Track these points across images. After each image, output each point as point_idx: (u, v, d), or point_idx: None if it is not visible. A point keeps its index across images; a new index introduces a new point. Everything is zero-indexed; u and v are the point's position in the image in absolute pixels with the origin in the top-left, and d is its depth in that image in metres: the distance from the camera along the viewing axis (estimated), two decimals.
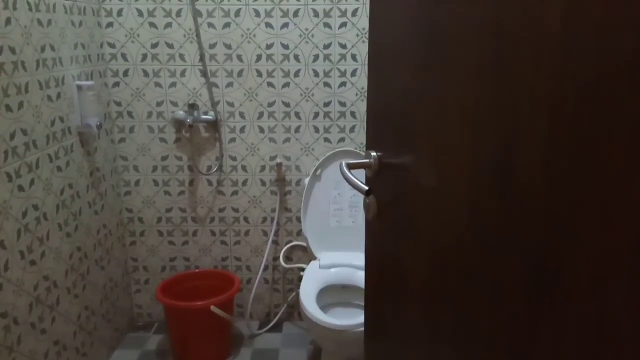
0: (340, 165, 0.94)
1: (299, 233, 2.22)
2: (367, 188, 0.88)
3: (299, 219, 2.20)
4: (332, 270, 1.94)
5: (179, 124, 2.09)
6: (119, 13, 1.97)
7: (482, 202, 0.60)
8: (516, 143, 0.52)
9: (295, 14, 1.98)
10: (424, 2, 0.73)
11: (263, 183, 2.16)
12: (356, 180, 0.89)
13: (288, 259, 2.25)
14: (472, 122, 0.61)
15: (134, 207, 2.18)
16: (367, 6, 1.92)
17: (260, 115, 2.09)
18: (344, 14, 1.98)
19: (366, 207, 0.97)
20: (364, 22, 1.98)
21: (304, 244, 2.20)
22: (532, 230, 0.51)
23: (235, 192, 2.17)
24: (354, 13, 1.98)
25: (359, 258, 1.91)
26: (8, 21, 1.37)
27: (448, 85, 0.67)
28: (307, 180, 2.04)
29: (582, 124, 0.43)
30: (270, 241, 2.20)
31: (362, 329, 1.16)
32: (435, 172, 0.72)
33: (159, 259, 2.24)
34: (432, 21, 0.70)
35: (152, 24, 1.99)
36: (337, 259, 1.98)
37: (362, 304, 1.29)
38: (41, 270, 1.52)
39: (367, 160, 0.96)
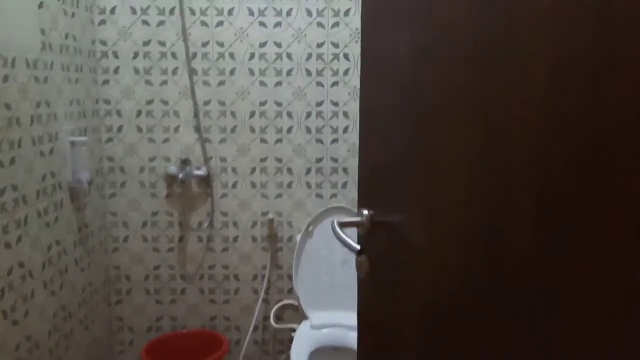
0: (332, 224, 0.93)
1: (290, 291, 2.18)
2: (359, 248, 0.87)
3: (290, 277, 2.16)
4: (324, 330, 1.89)
5: (170, 179, 2.09)
6: (116, 70, 2.01)
7: (474, 266, 0.59)
8: (506, 208, 0.52)
9: (289, 73, 2.03)
10: (412, 66, 0.75)
11: (254, 239, 2.14)
12: (348, 240, 0.88)
13: (279, 318, 2.20)
14: (462, 185, 0.61)
15: (122, 264, 2.14)
16: (359, 65, 1.98)
17: (253, 170, 2.09)
18: (335, 73, 2.03)
19: (358, 266, 0.95)
20: (355, 80, 2.03)
21: (295, 302, 2.15)
22: (523, 295, 0.50)
23: (225, 249, 2.14)
24: (346, 72, 2.03)
25: (352, 318, 1.85)
26: (6, 78, 1.39)
27: (438, 147, 0.67)
28: (299, 236, 2.02)
29: (567, 191, 0.43)
30: (260, 300, 2.15)
31: None
32: (426, 233, 0.72)
33: (145, 318, 2.17)
34: (421, 84, 0.72)
35: (147, 82, 2.02)
36: (329, 319, 1.93)
37: None
38: (24, 330, 1.47)
39: (359, 218, 0.95)
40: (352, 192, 2.10)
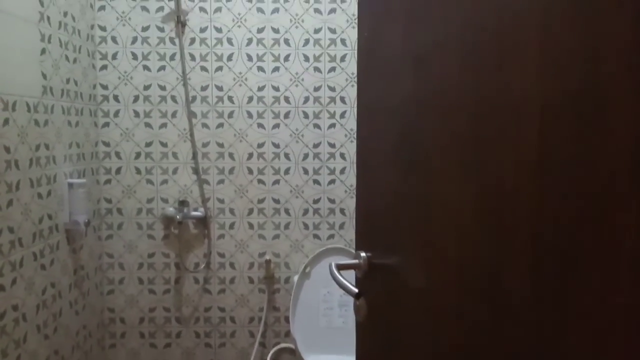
0: (330, 267, 0.93)
1: (287, 334, 2.14)
2: (356, 291, 0.87)
3: (287, 319, 2.13)
4: None
5: (168, 221, 2.09)
6: (116, 114, 2.04)
7: (471, 308, 0.59)
8: (504, 253, 0.53)
9: (286, 115, 2.06)
10: (406, 113, 0.77)
11: (251, 281, 2.12)
12: (346, 283, 0.88)
13: None
14: (455, 230, 0.62)
15: (117, 306, 2.11)
16: (355, 108, 2.01)
17: (250, 211, 2.10)
18: (332, 115, 2.06)
19: (356, 309, 0.95)
20: (351, 123, 2.06)
21: (292, 346, 2.11)
22: (524, 342, 0.50)
23: (222, 290, 2.12)
24: (342, 115, 2.07)
25: None
26: (6, 122, 1.41)
27: (433, 192, 0.68)
28: (296, 277, 2.01)
29: (563, 238, 0.44)
30: (257, 343, 2.12)
31: None
32: (423, 276, 0.72)
33: None
34: (414, 130, 0.74)
35: (147, 124, 2.05)
36: None
37: None
38: None
39: (357, 261, 0.95)
40: (350, 232, 2.10)
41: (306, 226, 2.11)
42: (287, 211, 2.10)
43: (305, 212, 2.10)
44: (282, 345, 2.14)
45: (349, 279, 0.90)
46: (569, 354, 0.44)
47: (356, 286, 0.91)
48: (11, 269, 1.43)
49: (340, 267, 0.94)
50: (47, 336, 1.63)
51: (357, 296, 0.86)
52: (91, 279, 1.97)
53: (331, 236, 2.11)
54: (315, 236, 2.11)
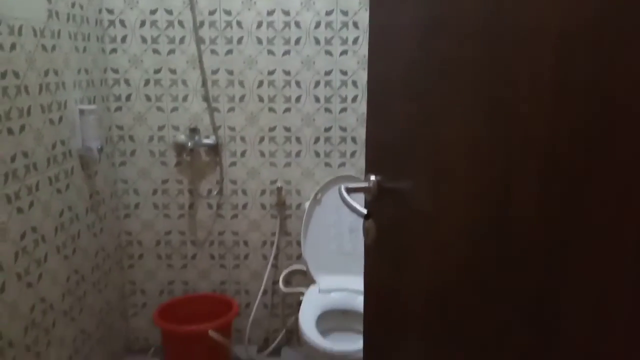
0: (340, 189, 0.94)
1: (299, 257, 2.21)
2: (365, 212, 0.88)
3: (299, 243, 2.19)
4: (332, 294, 1.93)
5: (180, 148, 2.11)
6: (123, 40, 2.00)
7: (479, 232, 0.60)
8: (514, 176, 0.53)
9: (297, 41, 2.01)
10: (420, 38, 0.74)
11: (263, 207, 2.16)
12: (355, 205, 0.89)
13: (287, 283, 2.24)
14: (469, 153, 0.62)
15: (133, 230, 2.17)
16: (367, 34, 1.95)
17: (262, 139, 2.10)
18: (344, 41, 2.01)
19: (365, 231, 0.97)
20: (364, 49, 2.01)
21: (303, 268, 2.18)
22: (529, 263, 0.50)
23: (235, 216, 2.17)
24: (355, 41, 2.01)
25: (359, 282, 1.89)
26: (13, 46, 1.40)
27: (446, 114, 0.67)
28: (307, 204, 2.04)
29: (574, 156, 0.44)
30: (269, 265, 2.19)
31: (362, 355, 1.14)
32: (432, 199, 0.72)
33: (157, 282, 2.23)
34: (430, 51, 0.71)
35: (155, 51, 2.02)
36: (337, 284, 1.96)
37: (362, 329, 1.27)
38: (37, 293, 1.51)
39: (367, 184, 0.96)
40: (361, 161, 2.11)
41: (317, 154, 2.11)
42: (298, 139, 2.10)
43: (317, 140, 2.10)
44: (294, 267, 2.21)
45: (359, 204, 0.92)
46: (579, 271, 0.45)
47: (365, 208, 0.93)
48: (28, 193, 1.47)
49: (350, 190, 0.95)
50: (67, 257, 1.70)
51: (366, 217, 0.88)
52: (107, 204, 2.02)
53: (342, 164, 2.12)
54: (327, 164, 2.12)
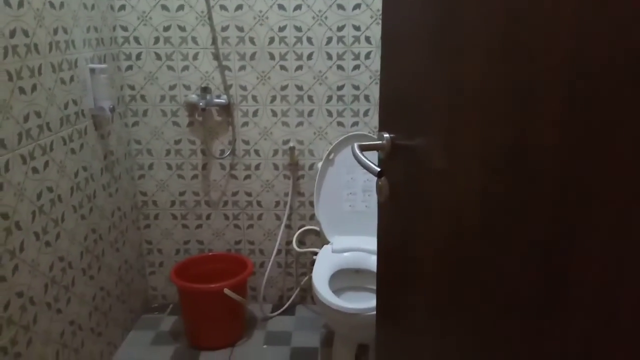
0: (353, 147, 0.92)
1: (312, 217, 2.22)
2: (379, 169, 0.87)
3: (312, 203, 2.19)
4: (345, 254, 1.94)
5: (191, 108, 2.09)
6: None
7: (493, 186, 0.58)
8: (529, 127, 0.50)
9: None
10: None
11: (276, 167, 2.16)
12: (368, 162, 0.88)
13: (301, 243, 2.26)
14: (484, 105, 0.59)
15: (148, 190, 2.19)
16: None
17: (273, 99, 2.07)
18: None
19: (378, 189, 0.95)
20: (378, 3, 1.95)
21: (317, 228, 2.19)
22: (542, 217, 0.49)
23: (248, 176, 2.17)
24: None
25: (372, 242, 1.89)
26: (21, 4, 1.37)
27: (460, 67, 0.65)
28: (320, 164, 2.03)
29: (594, 109, 0.41)
30: (283, 225, 2.20)
31: (375, 313, 1.15)
32: (446, 154, 0.71)
33: (173, 242, 2.26)
34: (444, 2, 0.68)
35: (164, 7, 1.97)
36: (350, 243, 1.97)
37: (375, 288, 1.28)
38: (56, 252, 1.54)
39: (380, 142, 0.94)
40: (374, 120, 2.08)
41: (330, 113, 2.08)
42: (310, 98, 2.07)
43: (329, 99, 2.07)
44: (307, 227, 2.22)
45: (372, 161, 0.90)
46: (599, 224, 0.43)
47: (379, 166, 0.91)
48: (42, 153, 1.47)
49: (364, 148, 0.93)
50: (84, 216, 1.72)
51: (379, 175, 0.87)
52: (121, 164, 2.03)
53: (355, 123, 2.09)
54: (339, 123, 2.10)
